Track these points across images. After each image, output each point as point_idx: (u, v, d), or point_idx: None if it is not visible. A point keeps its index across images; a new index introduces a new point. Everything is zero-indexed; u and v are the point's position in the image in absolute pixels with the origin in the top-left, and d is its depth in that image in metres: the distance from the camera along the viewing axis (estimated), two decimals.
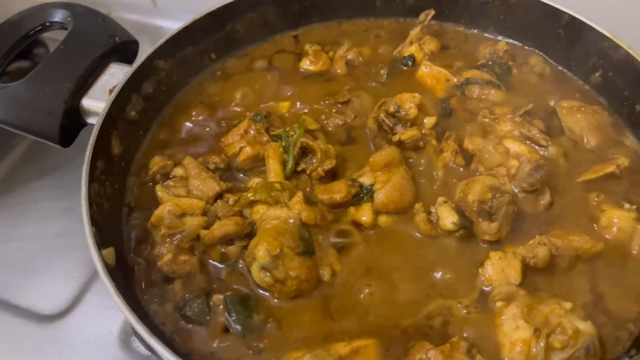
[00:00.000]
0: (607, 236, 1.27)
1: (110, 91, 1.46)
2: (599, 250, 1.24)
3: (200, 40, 1.66)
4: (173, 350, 1.05)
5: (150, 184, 1.42)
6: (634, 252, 1.24)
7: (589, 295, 1.19)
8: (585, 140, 1.45)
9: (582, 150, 1.44)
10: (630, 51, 1.44)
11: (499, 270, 1.21)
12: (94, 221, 1.19)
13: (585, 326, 1.09)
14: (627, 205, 1.29)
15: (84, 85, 1.48)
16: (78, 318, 1.50)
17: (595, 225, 1.30)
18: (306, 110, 1.58)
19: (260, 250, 1.18)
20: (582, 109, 1.48)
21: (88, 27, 1.55)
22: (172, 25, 1.68)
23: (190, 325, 1.20)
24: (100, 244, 1.16)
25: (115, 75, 1.50)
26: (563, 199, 1.35)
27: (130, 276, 1.25)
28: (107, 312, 1.49)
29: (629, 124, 1.47)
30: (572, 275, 1.22)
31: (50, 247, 1.63)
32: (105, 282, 1.08)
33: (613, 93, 1.53)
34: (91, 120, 1.47)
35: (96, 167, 1.31)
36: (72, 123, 1.47)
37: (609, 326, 1.15)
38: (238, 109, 1.61)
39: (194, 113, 1.60)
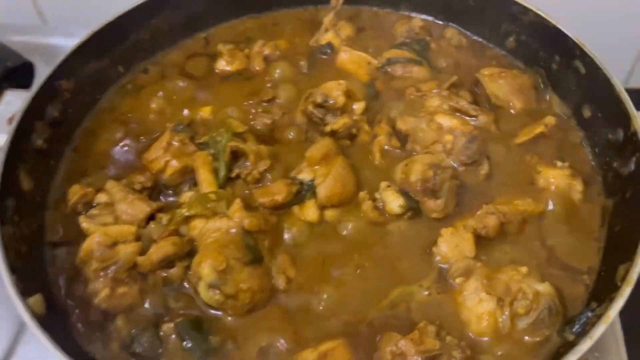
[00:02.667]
0: (547, 195, 1.29)
1: (10, 120, 1.31)
2: (542, 210, 1.25)
3: (103, 54, 1.53)
4: None
5: (73, 215, 1.29)
6: (575, 205, 1.27)
7: (542, 255, 1.21)
8: (511, 105, 1.46)
9: (509, 115, 1.46)
10: (539, 12, 1.46)
11: (453, 246, 1.19)
12: (13, 268, 1.06)
13: (544, 287, 1.09)
14: (559, 163, 1.32)
15: None
16: None
17: (534, 186, 1.31)
18: (231, 113, 1.50)
19: (205, 268, 1.10)
20: (503, 74, 1.49)
21: None
22: (67, 42, 1.51)
23: None
24: (25, 293, 1.04)
25: (13, 102, 1.38)
26: (501, 166, 1.36)
27: (66, 322, 1.13)
28: None
29: (549, 82, 1.50)
30: (523, 238, 1.23)
31: None
32: (36, 334, 0.96)
33: (529, 55, 1.55)
34: None
35: (6, 207, 1.17)
36: None
37: (566, 282, 1.16)
38: (156, 122, 1.50)
39: (108, 132, 1.48)
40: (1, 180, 1.18)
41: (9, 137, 1.24)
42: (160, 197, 1.34)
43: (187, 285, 1.18)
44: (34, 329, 0.97)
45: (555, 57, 1.48)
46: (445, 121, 1.35)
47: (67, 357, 0.95)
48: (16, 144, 1.26)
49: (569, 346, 0.97)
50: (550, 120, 1.39)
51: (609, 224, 1.23)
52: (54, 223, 1.30)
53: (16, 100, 1.36)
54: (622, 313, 1.00)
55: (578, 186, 1.28)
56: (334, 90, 1.40)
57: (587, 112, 1.40)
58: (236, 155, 1.32)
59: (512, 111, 1.46)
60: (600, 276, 1.15)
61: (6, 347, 1.38)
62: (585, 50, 1.37)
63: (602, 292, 1.07)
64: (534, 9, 1.48)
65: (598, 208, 1.27)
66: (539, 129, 1.38)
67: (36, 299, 1.07)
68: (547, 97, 1.50)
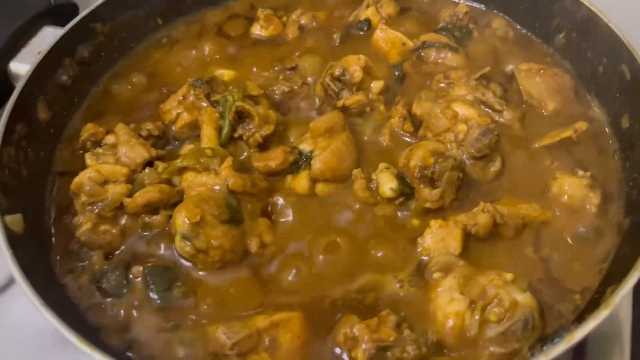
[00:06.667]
0: (557, 204, 1.18)
1: (39, 54, 1.37)
2: (547, 218, 1.15)
3: (144, 4, 1.57)
4: (78, 324, 0.97)
5: (81, 152, 1.34)
6: (585, 220, 1.15)
7: (534, 266, 1.11)
8: (543, 105, 1.35)
9: (539, 115, 1.35)
10: (591, 7, 1.33)
11: (439, 239, 1.12)
12: (4, 185, 1.11)
13: (524, 298, 1.00)
14: (580, 172, 1.20)
15: (14, 48, 1.40)
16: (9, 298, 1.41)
17: (547, 192, 1.20)
18: (252, 76, 1.49)
19: (179, 218, 1.10)
20: (542, 71, 1.38)
21: None
22: None
23: (108, 299, 1.12)
24: (7, 210, 1.08)
25: (47, 38, 1.42)
26: (516, 166, 1.26)
27: (46, 246, 1.18)
28: None
29: (592, 87, 1.37)
30: (518, 244, 1.13)
31: None
32: (2, 248, 1.01)
33: (577, 55, 1.42)
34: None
35: (14, 130, 1.23)
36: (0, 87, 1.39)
37: (555, 298, 1.06)
38: (181, 76, 1.52)
39: (134, 80, 1.52)
40: (15, 105, 1.24)
41: (31, 67, 1.30)
42: (167, 148, 1.35)
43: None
44: (1, 242, 1.02)
45: (603, 59, 1.34)
46: (463, 110, 1.27)
47: (22, 274, 0.98)
48: (40, 75, 1.32)
49: None
50: (581, 125, 1.27)
51: (619, 244, 1.11)
52: (63, 155, 1.36)
53: (51, 37, 1.41)
54: None
55: (594, 199, 1.16)
56: (353, 65, 1.35)
57: (625, 123, 1.26)
58: (242, 116, 1.31)
59: (543, 112, 1.35)
60: (593, 297, 1.04)
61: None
62: (634, 54, 1.23)
63: (587, 314, 0.97)
64: (587, 4, 1.35)
65: (612, 226, 1.15)
66: (567, 133, 1.26)
67: (15, 218, 1.11)
68: (587, 101, 1.37)
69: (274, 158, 1.26)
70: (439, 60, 1.48)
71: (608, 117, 1.32)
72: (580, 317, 1.01)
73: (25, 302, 0.97)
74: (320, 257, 1.15)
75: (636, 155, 1.19)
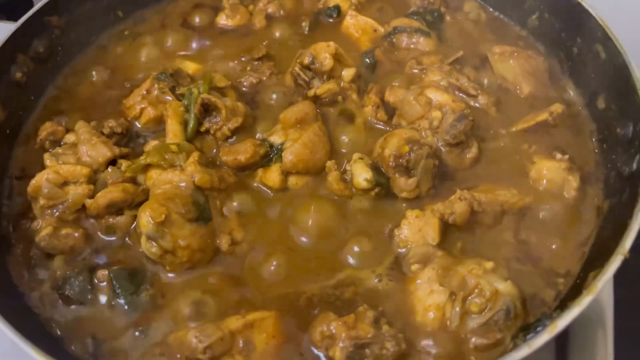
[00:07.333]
0: (537, 189, 1.15)
1: None
2: (526, 204, 1.12)
3: None
4: (40, 336, 0.92)
5: (41, 152, 1.27)
6: (565, 204, 1.12)
7: (518, 252, 1.08)
8: (518, 88, 1.32)
9: (515, 99, 1.32)
10: None
11: (416, 230, 1.08)
12: None
13: (505, 286, 0.97)
14: (558, 155, 1.17)
15: None
16: None
17: (525, 177, 1.17)
18: (218, 68, 1.43)
19: (143, 218, 1.04)
20: (515, 54, 1.35)
21: None
22: None
23: (72, 306, 1.06)
24: None
25: (0, 33, 1.34)
26: (493, 152, 1.23)
27: (5, 254, 1.11)
28: None
29: (566, 68, 1.35)
30: (498, 231, 1.10)
31: None
32: None
33: (550, 36, 1.40)
34: None
35: None
36: None
37: (537, 284, 1.03)
38: (145, 70, 1.45)
39: (95, 75, 1.45)
40: None
41: None
42: (130, 145, 1.29)
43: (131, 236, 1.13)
44: None
45: (577, 39, 1.31)
46: (436, 96, 1.23)
47: None
48: None
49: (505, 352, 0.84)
50: (557, 108, 1.24)
51: (599, 227, 1.08)
52: (21, 157, 1.29)
53: (3, 32, 1.33)
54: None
55: (573, 182, 1.13)
56: (322, 52, 1.31)
57: (601, 103, 1.24)
58: (208, 109, 1.26)
59: (518, 95, 1.32)
60: (575, 282, 1.01)
61: None
62: (608, 33, 1.21)
63: (570, 300, 0.94)
64: None
65: (592, 209, 1.12)
66: (543, 116, 1.24)
67: None
68: (562, 83, 1.34)
69: (243, 151, 1.21)
70: (411, 46, 1.45)
71: (583, 98, 1.30)
72: (563, 304, 0.99)
73: None
74: (295, 251, 1.10)
75: (613, 136, 1.17)
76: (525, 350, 0.81)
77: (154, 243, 1.05)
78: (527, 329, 0.93)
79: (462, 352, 0.95)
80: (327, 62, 1.30)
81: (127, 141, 1.29)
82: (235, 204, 1.15)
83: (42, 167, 1.22)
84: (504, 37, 1.46)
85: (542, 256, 1.08)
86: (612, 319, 1.04)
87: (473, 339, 0.95)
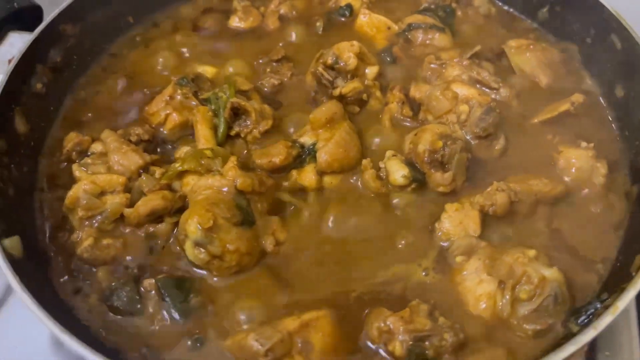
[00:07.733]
0: (566, 177, 1.19)
1: (10, 62, 1.27)
2: (559, 192, 1.16)
3: (111, 2, 1.48)
4: (96, 347, 0.91)
5: (66, 163, 1.26)
6: (595, 190, 1.17)
7: (553, 240, 1.11)
8: (537, 80, 1.36)
9: (535, 90, 1.35)
10: None
11: (457, 222, 1.11)
12: None
13: (551, 273, 1.00)
14: (584, 144, 1.22)
15: None
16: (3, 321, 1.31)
17: (553, 166, 1.21)
18: (237, 71, 1.43)
19: (191, 225, 1.04)
20: (531, 47, 1.39)
21: None
22: None
23: (120, 316, 1.05)
24: (3, 234, 1.00)
25: (15, 44, 1.33)
26: (519, 143, 1.27)
27: (47, 268, 1.10)
28: None
29: (581, 58, 1.39)
30: (534, 220, 1.14)
31: None
32: (7, 275, 0.93)
33: (562, 28, 1.44)
34: None
35: None
36: None
37: (577, 270, 1.07)
38: (162, 76, 1.45)
39: (112, 83, 1.43)
40: None
41: (4, 78, 1.21)
42: (158, 152, 1.29)
43: (173, 243, 1.13)
44: (4, 268, 0.94)
45: (590, 30, 1.36)
46: (462, 90, 1.26)
47: (36, 303, 0.91)
48: (13, 85, 1.23)
49: (571, 337, 0.88)
50: (577, 98, 1.28)
51: (631, 212, 1.13)
52: (47, 169, 1.27)
53: (19, 43, 1.32)
54: None
55: (602, 169, 1.18)
56: (346, 52, 1.32)
57: (620, 92, 1.28)
58: (237, 113, 1.26)
59: (538, 86, 1.36)
60: (615, 266, 1.06)
61: None
62: (623, 24, 1.25)
63: (615, 283, 0.98)
64: None
65: (621, 194, 1.17)
66: (564, 106, 1.28)
67: (13, 241, 1.02)
68: (578, 73, 1.38)
69: (277, 154, 1.22)
70: (427, 42, 1.47)
71: (601, 88, 1.34)
72: (606, 287, 1.03)
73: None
74: (339, 251, 1.12)
75: (634, 122, 1.22)
76: (592, 332, 0.84)
77: (202, 249, 1.05)
78: (577, 313, 0.97)
79: (517, 340, 0.98)
80: (352, 61, 1.31)
81: (154, 147, 1.29)
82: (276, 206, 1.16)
83: (70, 178, 1.20)
84: (515, 31, 1.50)
85: (576, 243, 1.12)
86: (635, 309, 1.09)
87: (525, 326, 0.98)
